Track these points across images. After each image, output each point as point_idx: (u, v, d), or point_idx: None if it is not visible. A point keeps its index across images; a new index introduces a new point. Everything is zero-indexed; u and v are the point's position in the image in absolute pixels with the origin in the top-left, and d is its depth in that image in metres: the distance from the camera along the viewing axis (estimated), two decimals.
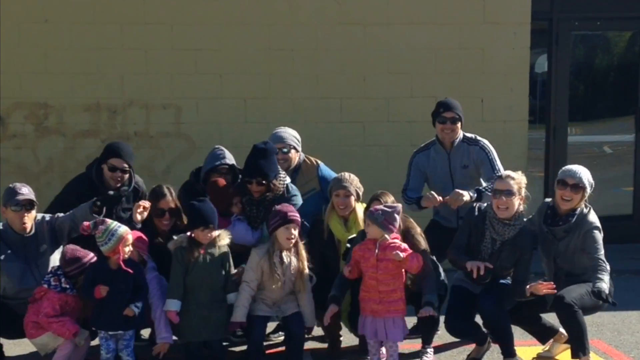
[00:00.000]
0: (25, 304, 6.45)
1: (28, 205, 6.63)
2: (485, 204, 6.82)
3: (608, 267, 6.55)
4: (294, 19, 9.91)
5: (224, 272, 6.53)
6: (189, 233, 6.52)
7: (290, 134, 7.56)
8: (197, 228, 6.43)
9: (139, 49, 9.74)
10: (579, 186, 6.65)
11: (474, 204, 6.89)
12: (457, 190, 7.21)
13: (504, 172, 6.82)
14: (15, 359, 7.02)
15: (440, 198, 7.20)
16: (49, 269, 6.50)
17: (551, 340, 7.02)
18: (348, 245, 6.82)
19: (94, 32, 9.66)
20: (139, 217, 6.69)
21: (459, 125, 7.48)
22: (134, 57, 9.74)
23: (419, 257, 6.41)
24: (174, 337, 6.53)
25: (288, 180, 7.12)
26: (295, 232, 6.51)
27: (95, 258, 6.38)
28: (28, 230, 6.67)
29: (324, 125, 10.00)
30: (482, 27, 10.09)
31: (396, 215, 6.42)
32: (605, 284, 6.38)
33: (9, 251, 6.62)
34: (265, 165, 6.87)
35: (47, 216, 6.83)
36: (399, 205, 6.54)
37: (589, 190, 6.71)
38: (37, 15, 9.59)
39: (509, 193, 6.55)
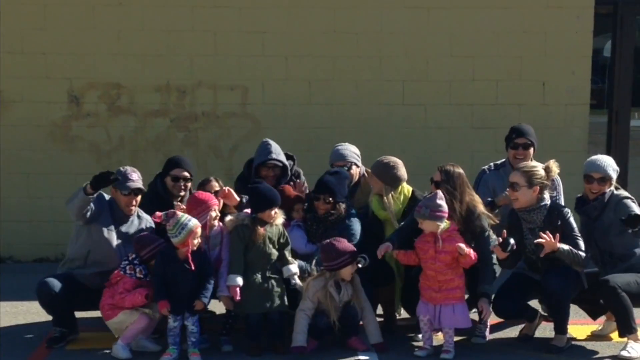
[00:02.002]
0: (99, 276, 6.81)
1: (137, 191, 7.02)
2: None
3: None
4: (359, 3, 10.05)
5: (279, 247, 6.80)
6: (248, 211, 6.77)
7: (351, 151, 7.69)
8: (263, 210, 6.70)
9: (208, 31, 9.99)
10: (605, 179, 6.90)
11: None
12: None
13: (521, 163, 7.00)
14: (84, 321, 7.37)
15: None
16: (124, 256, 6.82)
17: (604, 319, 7.16)
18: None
19: (165, 15, 9.94)
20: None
21: (530, 150, 7.56)
22: (203, 39, 9.99)
23: (474, 255, 6.59)
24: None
25: (353, 211, 7.24)
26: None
27: (164, 243, 6.70)
28: (132, 212, 7.07)
29: (387, 107, 10.16)
30: (545, 11, 10.13)
31: (438, 201, 6.56)
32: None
33: (112, 224, 6.99)
34: (333, 184, 7.06)
35: (150, 223, 7.14)
36: (438, 192, 6.65)
37: (614, 177, 6.95)
38: None
39: (514, 186, 6.71)
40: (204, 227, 6.72)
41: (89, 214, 6.85)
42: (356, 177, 7.66)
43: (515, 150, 7.55)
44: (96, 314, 7.12)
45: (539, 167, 6.79)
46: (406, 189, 7.24)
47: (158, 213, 6.63)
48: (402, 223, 6.99)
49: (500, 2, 10.11)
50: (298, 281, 6.80)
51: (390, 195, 7.12)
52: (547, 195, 6.79)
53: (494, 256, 6.81)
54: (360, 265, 6.77)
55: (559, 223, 6.69)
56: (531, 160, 7.27)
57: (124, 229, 7.04)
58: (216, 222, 6.88)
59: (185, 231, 6.49)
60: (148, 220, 7.13)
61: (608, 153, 11.19)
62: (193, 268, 6.49)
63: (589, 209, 6.93)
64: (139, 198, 7.06)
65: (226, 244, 6.80)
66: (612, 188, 6.96)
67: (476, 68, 10.17)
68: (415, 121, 10.18)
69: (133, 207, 7.06)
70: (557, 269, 6.72)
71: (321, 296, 6.71)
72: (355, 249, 6.74)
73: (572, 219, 6.77)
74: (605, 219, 6.88)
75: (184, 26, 9.96)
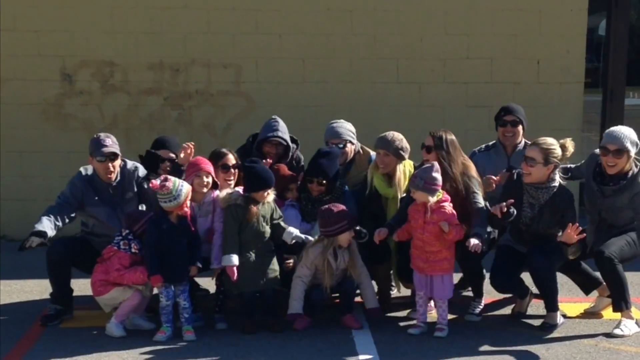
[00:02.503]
0: (108, 242, 6.80)
1: (112, 156, 6.99)
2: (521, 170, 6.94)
3: None
4: None
5: (272, 224, 6.83)
6: (240, 190, 6.77)
7: (346, 129, 7.65)
8: (258, 191, 6.70)
9: (202, 9, 9.94)
10: (621, 151, 6.71)
11: (514, 171, 7.02)
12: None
13: (538, 138, 6.84)
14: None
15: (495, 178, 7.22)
16: (117, 232, 6.81)
17: (596, 296, 7.19)
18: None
19: None
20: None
21: (519, 128, 7.53)
22: (196, 17, 9.95)
23: (461, 231, 6.60)
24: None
25: (346, 187, 7.26)
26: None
27: (154, 215, 6.69)
28: (113, 179, 7.04)
29: (381, 85, 10.14)
30: None
31: (434, 174, 6.56)
32: None
33: (96, 197, 7.02)
34: (327, 166, 7.05)
35: (141, 170, 7.18)
36: (435, 164, 6.65)
37: (633, 151, 6.76)
38: None
39: (531, 160, 6.67)
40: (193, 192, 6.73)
41: (65, 222, 6.92)
42: (351, 155, 7.65)
43: (504, 127, 7.53)
44: (91, 291, 7.13)
45: (556, 146, 6.73)
46: (409, 163, 7.24)
47: (154, 181, 6.60)
48: (401, 204, 6.99)
49: None
50: (302, 236, 6.84)
51: (400, 170, 7.11)
52: (557, 176, 6.77)
53: None
54: (360, 240, 6.82)
55: (562, 208, 6.70)
56: (543, 138, 7.08)
57: (115, 197, 7.05)
58: (205, 190, 6.84)
59: (183, 193, 6.51)
60: (135, 167, 7.15)
61: (602, 132, 11.18)
62: (193, 229, 6.58)
63: (606, 189, 6.82)
64: (116, 163, 7.02)
65: (218, 218, 6.80)
66: (634, 168, 6.78)
67: (470, 46, 10.15)
68: (410, 99, 10.16)
69: (112, 174, 7.02)
70: (541, 244, 6.76)
71: (319, 263, 6.74)
72: (353, 216, 6.77)
73: (574, 207, 6.78)
74: (618, 200, 6.80)
75: (177, 4, 9.91)
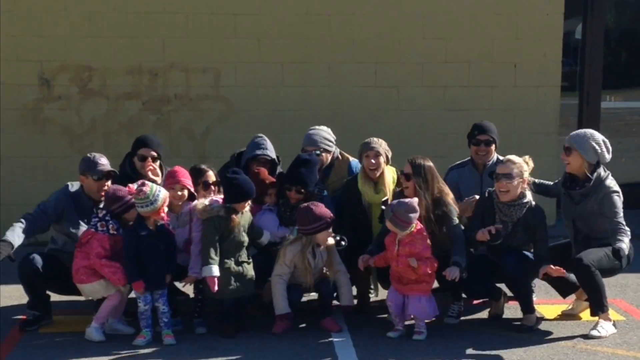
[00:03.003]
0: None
1: (108, 175, 7.00)
2: (493, 189, 6.92)
3: (628, 230, 6.76)
4: None
5: (249, 233, 6.86)
6: (218, 199, 6.74)
7: (322, 137, 7.64)
8: (240, 202, 6.70)
9: (180, 13, 9.95)
10: (569, 149, 6.83)
11: (486, 190, 7.04)
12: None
13: (506, 156, 6.87)
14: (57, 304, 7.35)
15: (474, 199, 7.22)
16: (93, 214, 6.76)
17: (574, 299, 7.25)
18: (383, 207, 7.05)
19: None
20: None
21: (492, 147, 7.54)
22: (175, 22, 9.96)
23: (433, 264, 6.62)
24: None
25: (325, 192, 7.31)
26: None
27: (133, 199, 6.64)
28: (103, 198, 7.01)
29: (359, 89, 10.19)
30: None
31: (405, 212, 6.53)
32: (624, 244, 6.59)
33: (77, 215, 6.97)
34: (306, 175, 7.07)
35: None
36: (411, 201, 6.62)
37: (583, 152, 6.78)
38: None
39: (509, 177, 6.69)
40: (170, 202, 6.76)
41: (36, 233, 6.92)
42: (327, 162, 7.67)
43: (477, 146, 7.55)
44: (70, 297, 7.11)
45: (522, 162, 6.78)
46: (392, 169, 7.28)
47: (131, 185, 6.59)
48: (380, 229, 7.00)
49: None
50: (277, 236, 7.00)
51: (387, 174, 7.19)
52: (529, 194, 6.82)
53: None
54: (339, 247, 6.89)
55: (534, 225, 6.76)
56: (510, 156, 7.05)
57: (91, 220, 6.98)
58: (180, 202, 6.86)
59: (160, 198, 6.51)
60: None
61: None
62: (172, 231, 6.63)
63: (574, 194, 6.88)
64: (109, 183, 7.01)
65: (196, 228, 6.80)
66: (600, 172, 6.83)
67: (448, 50, 10.21)
68: (388, 103, 10.22)
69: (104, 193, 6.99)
70: (514, 252, 6.82)
71: (297, 261, 6.76)
72: (332, 215, 6.78)
73: (545, 224, 6.85)
74: (588, 205, 6.85)
75: (155, 8, 9.92)
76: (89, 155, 7.11)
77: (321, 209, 6.76)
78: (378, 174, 7.18)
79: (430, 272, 6.65)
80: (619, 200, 6.83)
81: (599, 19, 11.18)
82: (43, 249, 7.16)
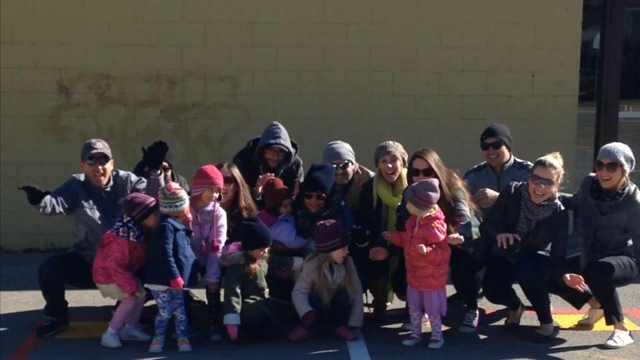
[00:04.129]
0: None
1: (102, 158, 7.01)
2: (520, 183, 6.92)
3: None
4: None
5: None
6: (237, 247, 6.78)
7: (346, 149, 7.67)
8: (255, 248, 6.74)
9: (198, 21, 9.99)
10: (614, 165, 6.73)
11: (511, 183, 7.01)
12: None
13: (548, 159, 6.76)
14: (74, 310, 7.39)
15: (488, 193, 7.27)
16: (118, 218, 6.83)
17: (589, 308, 7.22)
18: (398, 214, 7.06)
19: (155, 5, 9.95)
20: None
21: (503, 148, 7.52)
22: (193, 30, 10.00)
23: (445, 253, 6.61)
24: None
25: (342, 202, 7.32)
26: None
27: (154, 202, 6.70)
28: (103, 183, 7.07)
29: (377, 98, 10.19)
30: (534, 3, 10.16)
31: (428, 193, 6.56)
32: None
33: (90, 199, 7.03)
34: (324, 179, 7.08)
35: (133, 176, 7.19)
36: (434, 181, 6.66)
37: (627, 166, 6.78)
38: None
39: (549, 182, 6.66)
40: (194, 199, 6.83)
41: (51, 210, 6.81)
42: (351, 174, 7.66)
43: (486, 150, 7.56)
44: (87, 303, 7.16)
45: (558, 162, 6.77)
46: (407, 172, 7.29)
47: (172, 184, 6.77)
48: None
49: None
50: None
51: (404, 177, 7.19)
52: (557, 194, 6.83)
53: (475, 230, 6.93)
54: (360, 245, 6.93)
55: (557, 225, 6.75)
56: (551, 160, 6.89)
57: (108, 202, 7.05)
58: (212, 203, 6.90)
59: (184, 207, 6.62)
60: (127, 174, 7.19)
61: (596, 145, 11.27)
62: (193, 232, 6.72)
63: (603, 205, 6.82)
64: (106, 166, 7.04)
65: (220, 232, 6.86)
66: (629, 186, 6.81)
67: (466, 59, 10.20)
68: (405, 112, 10.21)
69: (102, 177, 7.04)
70: (530, 256, 6.80)
71: (315, 277, 6.78)
72: (347, 233, 6.79)
73: (568, 225, 6.86)
74: (614, 218, 6.80)
75: (174, 17, 9.97)
76: (87, 141, 7.18)
77: (336, 226, 6.77)
78: (395, 178, 7.18)
79: (440, 259, 6.59)
80: None
81: (617, 29, 11.14)
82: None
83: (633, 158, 6.87)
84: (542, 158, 6.78)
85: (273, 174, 7.39)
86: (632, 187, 6.84)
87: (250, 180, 7.42)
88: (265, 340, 6.79)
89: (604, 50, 11.14)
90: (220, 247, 6.84)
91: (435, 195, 6.60)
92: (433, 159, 6.91)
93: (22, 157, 10.00)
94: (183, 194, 6.66)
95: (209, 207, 6.91)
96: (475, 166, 7.79)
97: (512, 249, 6.67)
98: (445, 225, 6.65)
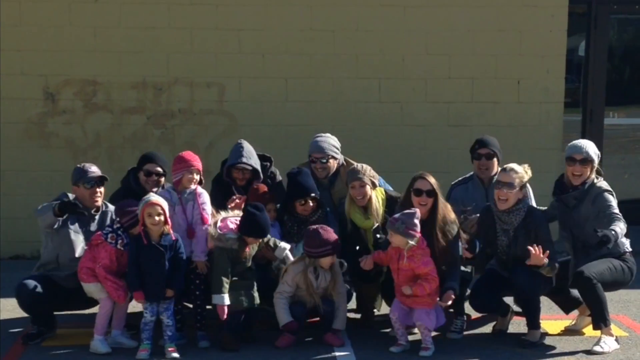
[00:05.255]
0: (75, 276, 6.77)
1: (99, 181, 7.03)
2: (488, 204, 7.00)
3: (622, 219, 6.75)
4: (336, 0, 10.09)
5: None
6: (233, 228, 6.77)
7: (330, 144, 7.70)
8: (253, 237, 6.76)
9: (185, 28, 9.99)
10: (587, 160, 6.88)
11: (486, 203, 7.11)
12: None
13: (509, 165, 6.89)
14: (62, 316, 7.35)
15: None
16: (108, 223, 6.87)
17: (577, 314, 7.24)
18: (377, 235, 7.11)
19: (141, 12, 9.94)
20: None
21: (494, 160, 7.55)
22: (179, 36, 10.00)
23: (433, 284, 6.60)
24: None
25: (328, 209, 7.33)
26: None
27: None
28: (98, 205, 7.07)
29: (363, 105, 10.21)
30: (520, 10, 10.21)
31: (415, 220, 6.59)
32: (618, 228, 6.60)
33: (77, 224, 7.00)
34: (310, 183, 7.16)
35: (112, 208, 7.13)
36: (417, 210, 6.67)
37: (596, 161, 6.97)
38: None
39: (510, 186, 6.72)
40: (176, 184, 6.89)
41: (56, 226, 6.89)
42: (334, 169, 7.69)
43: (479, 161, 7.57)
44: (75, 310, 7.12)
45: (522, 170, 6.83)
46: (380, 190, 7.30)
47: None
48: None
49: (475, 1, 10.18)
50: (291, 257, 6.91)
51: (375, 199, 7.17)
52: (531, 196, 6.92)
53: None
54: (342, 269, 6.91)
55: (534, 227, 6.77)
56: (511, 164, 7.09)
57: (92, 228, 7.03)
58: (192, 185, 6.93)
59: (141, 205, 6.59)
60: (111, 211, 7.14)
61: None
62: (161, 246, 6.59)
63: (567, 197, 6.96)
64: (102, 189, 7.06)
65: (203, 208, 6.87)
66: (593, 177, 6.95)
67: (452, 66, 10.23)
68: (392, 119, 10.22)
69: (99, 199, 7.05)
70: (523, 266, 6.81)
71: (299, 281, 6.77)
72: (338, 241, 6.79)
73: (546, 224, 6.87)
74: (582, 209, 6.90)
75: (160, 23, 9.96)
76: (78, 165, 7.19)
77: (329, 233, 6.77)
78: (365, 201, 7.18)
79: (429, 292, 6.61)
80: (611, 197, 6.89)
81: (602, 36, 11.21)
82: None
83: (599, 153, 7.05)
84: (505, 165, 6.91)
85: (242, 197, 7.34)
86: (596, 179, 6.97)
87: (227, 199, 7.41)
88: (252, 339, 6.83)
89: (589, 57, 11.22)
90: (209, 220, 6.83)
91: (419, 223, 6.63)
92: (434, 180, 6.89)
93: (7, 164, 9.95)
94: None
95: (191, 189, 6.94)
96: (461, 178, 7.76)
97: (472, 248, 6.75)
98: (429, 250, 6.66)
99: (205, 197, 6.99)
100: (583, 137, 11.20)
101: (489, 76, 10.26)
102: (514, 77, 10.27)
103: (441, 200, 6.89)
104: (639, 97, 12.24)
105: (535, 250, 6.53)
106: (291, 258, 6.91)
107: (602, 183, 6.99)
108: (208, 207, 6.95)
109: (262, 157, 7.72)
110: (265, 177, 7.67)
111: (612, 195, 6.93)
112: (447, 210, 6.90)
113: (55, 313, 7.12)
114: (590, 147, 6.99)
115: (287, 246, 6.96)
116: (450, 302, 6.68)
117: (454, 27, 10.19)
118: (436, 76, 10.23)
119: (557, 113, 10.36)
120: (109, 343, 6.71)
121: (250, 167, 7.51)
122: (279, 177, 7.86)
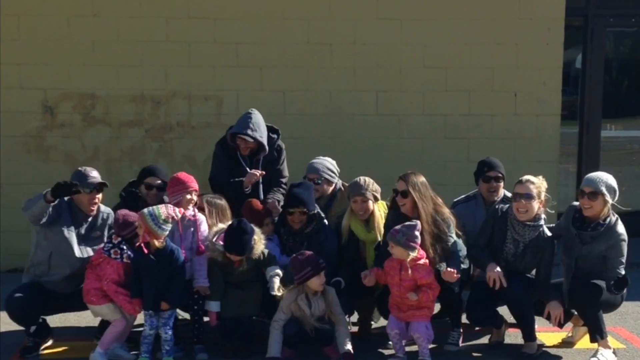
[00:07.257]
0: (67, 280, 6.81)
1: (99, 187, 7.01)
2: (507, 206, 7.00)
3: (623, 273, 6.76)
4: (333, 14, 10.12)
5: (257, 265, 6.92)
6: (221, 243, 6.81)
7: (325, 167, 7.74)
8: (229, 253, 6.78)
9: (183, 42, 10.03)
10: (595, 194, 6.72)
11: (497, 205, 7.11)
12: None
13: (525, 176, 6.91)
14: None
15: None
16: (107, 238, 6.86)
17: (572, 326, 7.26)
18: (377, 252, 7.12)
19: (139, 26, 9.97)
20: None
21: (502, 183, 7.61)
22: (177, 50, 10.03)
23: (435, 291, 6.66)
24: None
25: (325, 222, 7.34)
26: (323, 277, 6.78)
27: None
28: (95, 211, 7.04)
29: (361, 117, 10.23)
30: (516, 23, 10.22)
31: (416, 232, 6.63)
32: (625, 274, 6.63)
33: (72, 222, 6.97)
34: (303, 195, 7.13)
35: (112, 216, 7.12)
36: (417, 223, 6.70)
37: (609, 197, 6.75)
38: (86, 10, 9.91)
39: (529, 197, 6.75)
40: (175, 205, 6.82)
41: (45, 219, 6.81)
42: (328, 192, 7.72)
43: (488, 183, 7.58)
44: (71, 323, 7.11)
45: (540, 182, 6.86)
46: (382, 204, 7.31)
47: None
48: (380, 251, 7.04)
49: (472, 14, 10.21)
50: (277, 283, 6.80)
51: (377, 213, 7.19)
52: (543, 214, 6.88)
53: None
54: (339, 289, 6.91)
55: (543, 249, 6.84)
56: (528, 176, 7.01)
57: (84, 230, 7.01)
58: (190, 207, 6.94)
59: (168, 228, 6.61)
60: (108, 213, 7.14)
61: (579, 164, 11.37)
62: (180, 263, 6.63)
63: (584, 235, 6.82)
64: (100, 195, 7.04)
65: (201, 237, 6.88)
66: (610, 216, 6.81)
67: (449, 79, 10.26)
68: (389, 131, 10.24)
69: (95, 206, 7.03)
70: (518, 277, 6.84)
71: (294, 308, 6.77)
72: (319, 261, 6.73)
73: (553, 253, 6.92)
74: (594, 248, 6.80)
75: (158, 37, 9.99)
76: (79, 169, 7.16)
77: (306, 256, 6.75)
78: (367, 216, 7.20)
79: (432, 299, 6.67)
80: (625, 248, 6.80)
81: (598, 49, 11.26)
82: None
83: (616, 188, 6.84)
84: (521, 177, 6.92)
85: (262, 172, 7.48)
86: (613, 217, 6.84)
87: (232, 165, 7.59)
88: (250, 351, 6.84)
89: (585, 69, 11.26)
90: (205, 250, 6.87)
91: (419, 235, 6.66)
92: (412, 181, 6.92)
93: (7, 177, 9.98)
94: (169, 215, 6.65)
95: (190, 212, 6.94)
96: (464, 196, 7.79)
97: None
98: (428, 261, 6.70)
99: (204, 225, 6.98)
100: (580, 149, 11.31)
101: (485, 89, 10.29)
102: (510, 90, 10.30)
103: (426, 197, 6.89)
104: (635, 109, 12.28)
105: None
106: (276, 283, 6.81)
107: (621, 228, 6.80)
108: (206, 235, 6.94)
109: (270, 129, 7.75)
110: (271, 150, 7.70)
111: (626, 242, 6.81)
112: (437, 207, 6.92)
113: (53, 325, 7.13)
114: (602, 181, 6.78)
115: (278, 272, 6.86)
116: (454, 278, 6.66)
117: (451, 40, 10.22)
118: (433, 89, 10.25)
119: (554, 125, 10.36)
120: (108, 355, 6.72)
121: (252, 140, 7.52)
122: (284, 154, 7.95)
